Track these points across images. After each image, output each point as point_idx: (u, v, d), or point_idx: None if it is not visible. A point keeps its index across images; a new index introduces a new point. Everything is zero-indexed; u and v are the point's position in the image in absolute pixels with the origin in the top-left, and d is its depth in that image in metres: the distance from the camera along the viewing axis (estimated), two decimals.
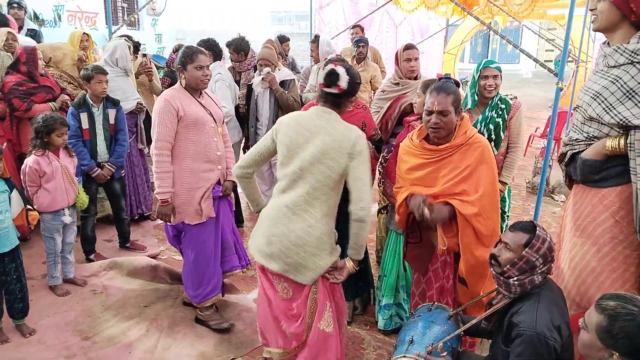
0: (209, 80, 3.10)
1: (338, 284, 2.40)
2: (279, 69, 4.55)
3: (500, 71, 3.30)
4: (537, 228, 2.00)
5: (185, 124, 2.99)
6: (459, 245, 2.47)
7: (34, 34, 5.75)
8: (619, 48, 2.02)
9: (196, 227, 3.15)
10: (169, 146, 2.99)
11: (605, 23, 2.09)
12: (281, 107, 4.46)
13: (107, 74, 4.03)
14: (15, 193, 3.06)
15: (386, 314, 3.23)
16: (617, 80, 2.01)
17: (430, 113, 2.42)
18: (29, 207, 3.22)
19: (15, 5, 5.81)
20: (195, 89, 3.09)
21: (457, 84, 2.58)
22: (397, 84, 3.64)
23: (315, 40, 5.51)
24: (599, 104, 2.06)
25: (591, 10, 2.14)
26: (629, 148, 1.98)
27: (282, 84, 4.47)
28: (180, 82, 3.10)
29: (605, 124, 2.06)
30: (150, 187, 5.40)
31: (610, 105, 2.03)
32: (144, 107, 4.88)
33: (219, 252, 3.27)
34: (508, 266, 2.00)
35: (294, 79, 4.64)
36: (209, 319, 3.30)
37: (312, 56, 5.53)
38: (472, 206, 2.39)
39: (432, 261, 2.68)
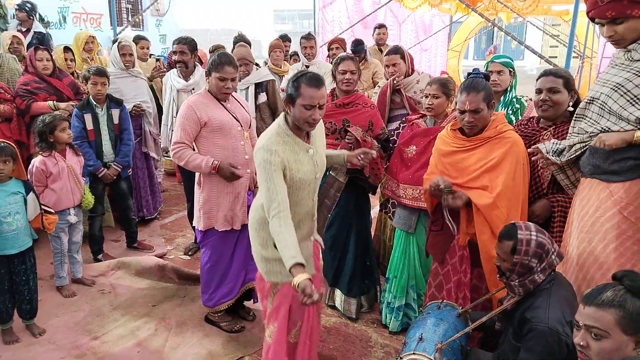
0: (230, 92, 3.05)
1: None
2: (257, 68, 4.43)
3: (508, 66, 3.26)
4: (518, 231, 2.02)
5: (210, 129, 2.99)
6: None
7: (42, 37, 5.78)
8: None
9: (214, 234, 3.13)
10: (187, 147, 3.00)
11: (636, 37, 2.06)
12: (270, 108, 4.39)
13: (104, 75, 4.01)
14: (31, 196, 3.07)
15: (399, 315, 3.22)
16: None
17: (462, 112, 2.46)
18: (47, 208, 3.22)
19: (17, 8, 5.86)
20: (218, 98, 3.06)
21: (487, 77, 2.58)
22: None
23: (311, 37, 5.37)
24: (621, 95, 2.05)
25: (609, 37, 2.10)
26: None
27: (259, 85, 4.31)
28: (207, 85, 3.09)
29: (623, 119, 2.05)
30: (159, 189, 5.39)
31: (635, 97, 2.02)
32: (142, 110, 4.77)
33: (243, 258, 3.21)
34: (508, 274, 2.05)
35: (273, 80, 4.46)
36: (221, 320, 3.30)
37: (307, 53, 5.25)
38: (488, 198, 2.40)
39: (450, 254, 2.69)
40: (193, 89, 4.18)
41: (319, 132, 2.44)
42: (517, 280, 2.02)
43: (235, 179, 3.02)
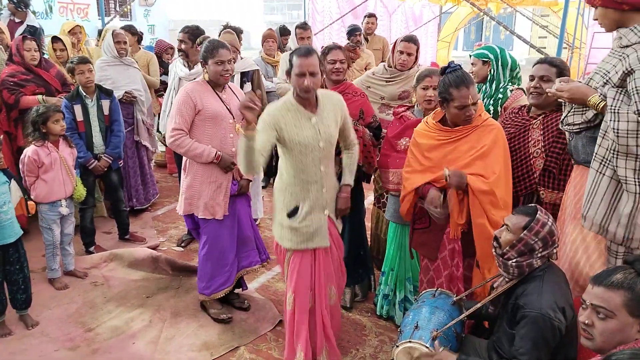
0: (229, 75, 3.07)
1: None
2: (241, 57, 4.39)
3: (480, 57, 3.18)
4: (539, 212, 2.03)
5: (202, 117, 3.02)
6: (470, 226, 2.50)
7: (34, 31, 5.69)
8: (635, 28, 2.05)
9: (211, 222, 3.16)
10: (185, 134, 3.04)
11: (610, 24, 2.13)
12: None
13: (88, 62, 3.95)
14: (13, 183, 3.07)
15: (402, 307, 3.21)
16: (624, 59, 2.03)
17: (464, 107, 2.43)
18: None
19: (14, 1, 5.77)
20: (216, 84, 3.09)
21: (460, 67, 2.56)
22: (387, 71, 3.66)
23: (307, 27, 5.26)
24: (606, 82, 2.08)
25: (595, 19, 2.20)
26: (609, 109, 2.00)
27: (245, 74, 4.28)
28: (204, 75, 3.12)
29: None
30: (153, 180, 5.34)
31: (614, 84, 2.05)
32: (133, 97, 4.70)
33: (235, 247, 3.26)
34: (507, 248, 2.04)
35: (257, 70, 4.43)
36: (211, 307, 3.33)
37: (302, 44, 5.06)
38: (485, 183, 2.41)
39: (440, 249, 2.69)
40: (195, 79, 4.18)
41: (332, 109, 2.60)
42: (514, 260, 2.03)
43: (229, 170, 3.09)
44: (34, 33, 5.54)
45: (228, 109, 3.09)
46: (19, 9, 5.75)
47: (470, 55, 3.32)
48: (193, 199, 3.13)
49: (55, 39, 4.85)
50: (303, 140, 2.48)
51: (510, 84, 3.23)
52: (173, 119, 3.04)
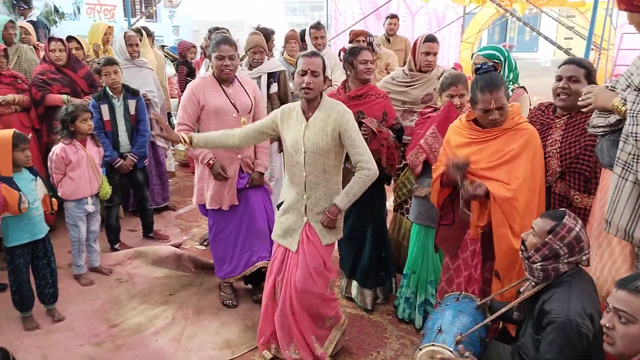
0: (230, 70, 3.15)
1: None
2: (268, 58, 4.41)
3: (491, 58, 3.11)
4: (566, 217, 1.99)
5: (206, 111, 3.14)
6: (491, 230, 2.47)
7: (33, 25, 5.83)
8: None
9: (216, 212, 3.30)
10: (189, 128, 3.16)
11: (639, 26, 2.11)
12: (279, 98, 4.40)
13: (114, 63, 4.02)
14: (38, 179, 3.15)
15: (422, 311, 3.19)
16: None
17: (487, 111, 2.41)
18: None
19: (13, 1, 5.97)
20: (221, 78, 3.19)
21: (495, 68, 2.54)
22: (407, 75, 3.56)
23: (320, 27, 5.23)
24: (628, 85, 2.05)
25: (630, 23, 2.18)
26: (628, 113, 1.98)
27: (272, 75, 4.31)
28: (211, 71, 3.25)
29: None
30: (167, 178, 5.39)
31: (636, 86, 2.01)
32: (148, 99, 4.68)
33: (245, 240, 3.32)
34: (532, 251, 2.02)
35: (284, 70, 4.43)
36: (223, 290, 3.52)
37: (317, 44, 5.01)
38: (507, 190, 2.38)
39: (462, 249, 2.67)
40: None
41: (326, 119, 2.55)
42: (539, 263, 2.00)
43: (217, 178, 3.19)
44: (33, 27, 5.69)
45: (232, 104, 3.16)
46: (20, 8, 5.93)
47: (472, 54, 3.25)
48: (203, 190, 3.30)
49: (69, 38, 4.89)
50: (289, 141, 2.61)
51: (511, 83, 3.23)
52: (178, 113, 3.19)
